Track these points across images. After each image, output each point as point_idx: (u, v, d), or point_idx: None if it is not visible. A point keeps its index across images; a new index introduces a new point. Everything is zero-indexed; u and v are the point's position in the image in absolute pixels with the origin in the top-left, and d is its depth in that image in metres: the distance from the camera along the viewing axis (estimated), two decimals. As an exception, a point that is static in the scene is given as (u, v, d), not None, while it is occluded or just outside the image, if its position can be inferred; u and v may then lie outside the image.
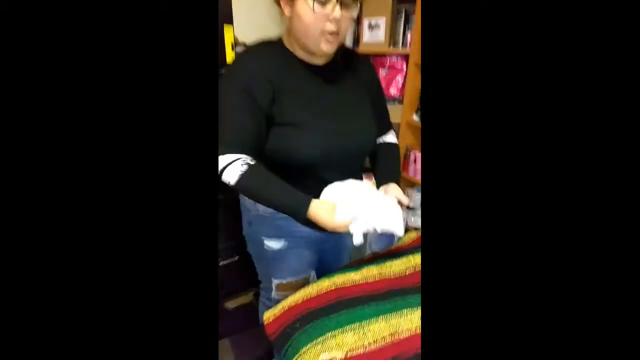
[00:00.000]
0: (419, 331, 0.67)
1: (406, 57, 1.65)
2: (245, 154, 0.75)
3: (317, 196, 0.79)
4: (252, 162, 0.75)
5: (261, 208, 0.86)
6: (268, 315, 0.77)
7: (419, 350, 0.63)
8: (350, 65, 0.88)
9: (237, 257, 1.53)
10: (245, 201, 0.92)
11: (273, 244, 0.90)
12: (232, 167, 0.73)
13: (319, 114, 0.79)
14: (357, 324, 0.70)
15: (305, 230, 0.86)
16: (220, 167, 0.74)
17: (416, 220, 1.62)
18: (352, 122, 0.83)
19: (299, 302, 0.78)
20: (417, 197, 1.62)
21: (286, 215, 0.80)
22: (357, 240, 0.75)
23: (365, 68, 0.91)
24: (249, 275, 1.58)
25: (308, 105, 0.78)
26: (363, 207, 0.75)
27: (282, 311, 0.77)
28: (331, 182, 0.82)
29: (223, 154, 0.74)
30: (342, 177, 0.85)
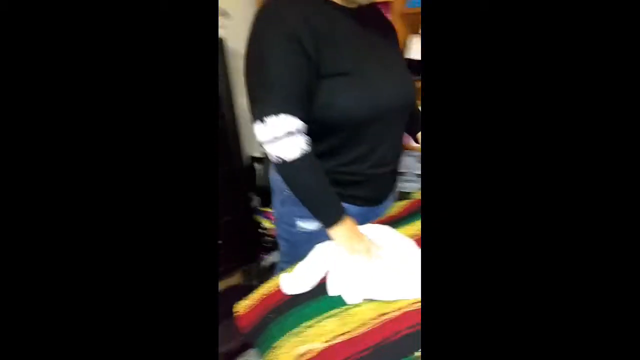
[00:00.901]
0: (406, 310, 0.61)
1: (388, 5, 1.40)
2: (298, 116, 0.65)
3: (375, 156, 0.75)
4: (310, 145, 0.67)
5: None
6: (240, 307, 0.70)
7: (407, 330, 0.58)
8: (372, 10, 0.79)
9: (219, 241, 1.46)
10: (280, 180, 0.81)
11: (307, 225, 0.81)
12: (294, 140, 0.65)
13: (371, 61, 0.70)
14: (339, 309, 0.63)
15: (344, 206, 0.76)
16: (275, 132, 0.64)
17: (403, 185, 1.54)
18: (398, 70, 0.76)
19: (275, 289, 0.70)
20: (406, 161, 1.53)
21: None
22: (349, 299, 0.65)
23: (381, 14, 0.84)
24: (234, 257, 1.54)
25: (357, 52, 0.69)
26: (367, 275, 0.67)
27: (256, 301, 0.69)
28: (387, 140, 0.76)
29: (271, 113, 0.64)
30: (399, 131, 0.80)
